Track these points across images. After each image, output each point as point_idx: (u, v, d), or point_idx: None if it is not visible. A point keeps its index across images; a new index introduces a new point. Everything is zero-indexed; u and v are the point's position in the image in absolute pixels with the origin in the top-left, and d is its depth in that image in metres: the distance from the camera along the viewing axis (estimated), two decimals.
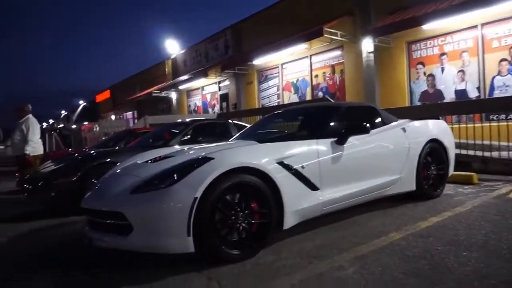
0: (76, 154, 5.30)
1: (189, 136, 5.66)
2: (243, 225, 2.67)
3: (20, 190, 6.51)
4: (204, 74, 14.78)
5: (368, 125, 3.43)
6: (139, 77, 24.11)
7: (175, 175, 2.52)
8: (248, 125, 6.55)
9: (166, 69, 20.39)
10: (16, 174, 7.01)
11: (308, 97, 11.68)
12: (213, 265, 2.54)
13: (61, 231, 3.90)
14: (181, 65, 19.00)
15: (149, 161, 3.22)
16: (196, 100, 18.00)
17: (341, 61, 10.69)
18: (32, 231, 3.98)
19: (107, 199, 2.64)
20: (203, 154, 2.80)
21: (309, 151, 3.16)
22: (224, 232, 2.59)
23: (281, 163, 2.91)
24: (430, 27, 8.05)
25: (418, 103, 8.80)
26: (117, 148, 5.63)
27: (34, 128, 6.19)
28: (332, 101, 8.18)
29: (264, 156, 2.85)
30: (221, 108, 15.84)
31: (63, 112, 51.93)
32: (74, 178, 4.50)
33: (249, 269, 2.50)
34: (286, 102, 12.39)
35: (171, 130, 6.33)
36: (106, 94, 29.65)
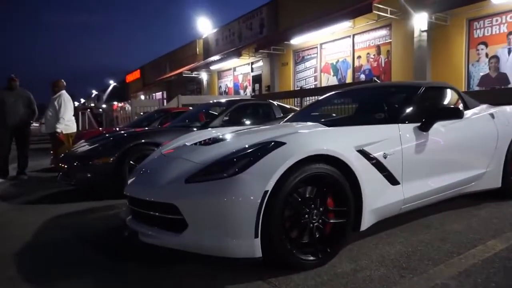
0: (112, 134, 4.96)
1: (231, 117, 5.20)
2: (317, 225, 2.19)
3: (55, 168, 6.33)
4: (238, 54, 14.24)
5: (461, 108, 2.84)
6: (169, 57, 23.86)
7: (240, 162, 2.06)
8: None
9: (197, 49, 19.98)
10: (51, 152, 6.83)
11: (349, 79, 10.96)
12: (281, 272, 2.09)
13: (98, 216, 3.56)
14: (213, 45, 18.50)
15: (199, 144, 2.78)
16: (227, 82, 17.53)
17: (388, 41, 9.87)
18: (69, 214, 3.67)
19: (157, 187, 2.21)
20: (270, 137, 2.32)
21: (391, 138, 2.62)
22: (295, 234, 2.13)
23: (361, 151, 2.39)
24: (499, 1, 7.14)
25: (477, 88, 7.96)
26: (155, 128, 5.25)
27: (66, 105, 5.90)
28: (379, 82, 7.48)
29: (342, 142, 2.33)
30: (253, 90, 15.31)
31: (94, 92, 52.91)
32: (111, 159, 4.16)
33: (327, 281, 2.03)
34: (324, 84, 11.72)
35: (211, 110, 5.91)
36: (136, 74, 29.69)
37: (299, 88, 12.44)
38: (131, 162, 4.22)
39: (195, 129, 4.83)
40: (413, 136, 2.75)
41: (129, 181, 2.60)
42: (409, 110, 2.93)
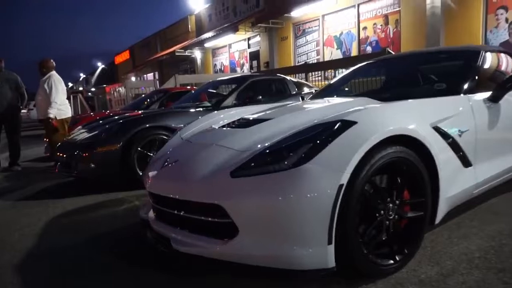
0: (114, 118, 4.45)
1: (242, 94, 4.71)
2: (393, 222, 1.78)
3: (50, 157, 5.82)
4: (234, 29, 13.53)
5: None
6: (160, 36, 22.91)
7: (302, 149, 1.60)
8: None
9: (189, 26, 19.11)
10: (45, 139, 6.28)
11: (354, 52, 10.43)
12: (352, 282, 1.69)
13: (107, 213, 3.11)
14: (206, 21, 17.67)
15: (229, 127, 2.32)
16: (223, 59, 16.83)
17: (396, 9, 9.31)
18: (72, 212, 3.21)
19: (194, 184, 1.75)
20: (329, 115, 1.86)
21: (463, 112, 2.18)
22: (370, 234, 1.71)
23: (436, 129, 1.95)
24: None
25: None
26: (163, 109, 4.74)
27: (57, 87, 5.28)
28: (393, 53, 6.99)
29: (418, 120, 1.89)
30: (251, 67, 14.69)
31: (82, 75, 51.36)
32: (117, 146, 3.67)
33: None
34: (327, 58, 11.17)
35: (219, 87, 5.40)
36: (125, 55, 28.62)
37: (303, 62, 11.85)
38: (139, 149, 3.75)
39: (200, 109, 4.35)
40: (484, 109, 2.32)
41: (150, 174, 2.14)
42: (473, 78, 2.47)
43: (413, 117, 1.88)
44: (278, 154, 1.65)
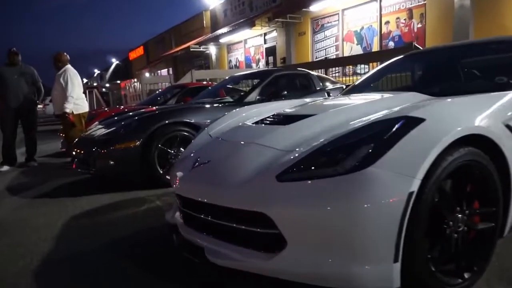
0: (133, 114, 4.27)
1: (265, 89, 4.49)
2: (462, 235, 1.53)
3: (66, 152, 5.70)
4: (251, 24, 13.27)
5: None
6: (174, 32, 22.82)
7: (363, 150, 1.36)
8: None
9: (204, 22, 18.94)
10: (60, 134, 6.17)
11: (375, 48, 10.08)
12: None
13: (128, 214, 2.92)
14: (221, 16, 17.46)
15: (265, 123, 2.10)
16: (238, 55, 16.60)
17: (421, 3, 8.93)
18: (92, 212, 3.04)
19: (233, 188, 1.54)
20: (384, 110, 1.63)
21: None
22: (438, 249, 1.47)
23: (509, 127, 1.70)
24: None
25: None
26: (183, 104, 4.54)
27: (73, 81, 5.12)
28: (421, 48, 6.67)
29: (490, 117, 1.63)
30: (267, 63, 14.43)
31: (96, 71, 51.80)
32: (137, 143, 3.48)
33: None
34: (347, 54, 10.85)
35: (240, 83, 5.19)
36: (139, 51, 28.65)
37: (323, 58, 11.52)
38: (159, 145, 3.56)
39: (222, 105, 4.14)
40: None
41: (178, 175, 1.93)
42: None
43: (484, 113, 1.62)
44: (333, 155, 1.42)
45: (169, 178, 2.26)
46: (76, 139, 4.21)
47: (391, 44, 9.69)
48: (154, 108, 4.56)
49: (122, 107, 8.00)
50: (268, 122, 2.10)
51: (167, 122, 3.59)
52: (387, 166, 1.31)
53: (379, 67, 3.45)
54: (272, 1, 13.71)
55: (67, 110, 5.01)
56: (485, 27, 7.62)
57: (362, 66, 9.82)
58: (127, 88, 11.77)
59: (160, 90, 10.66)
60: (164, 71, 24.42)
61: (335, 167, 1.36)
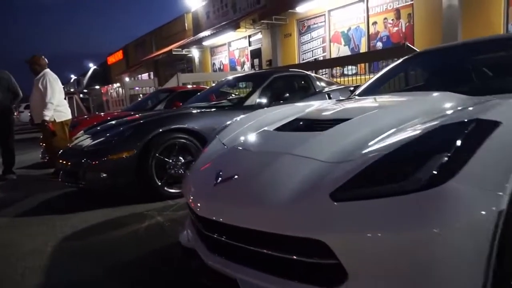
0: (123, 121, 3.95)
1: (264, 92, 4.25)
2: None
3: (47, 163, 5.30)
4: (235, 26, 13.03)
5: None
6: (155, 35, 22.34)
7: (432, 160, 1.14)
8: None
9: (186, 24, 18.57)
10: (40, 144, 5.75)
11: (363, 48, 10.01)
12: None
13: (127, 234, 2.62)
14: (203, 18, 17.12)
15: (292, 129, 1.86)
16: (222, 58, 16.32)
17: (409, 2, 8.91)
18: (85, 232, 2.71)
19: (275, 208, 1.28)
20: (435, 113, 1.42)
21: None
22: None
23: None
24: None
25: None
26: (178, 109, 4.23)
27: (53, 87, 4.71)
28: (415, 48, 6.59)
29: None
30: (252, 65, 14.20)
31: (73, 77, 50.34)
32: (133, 152, 3.18)
33: None
34: (334, 55, 10.75)
35: (238, 84, 4.94)
36: (118, 55, 27.94)
37: (313, 59, 11.37)
38: (157, 155, 3.26)
39: (221, 109, 3.89)
40: None
41: (196, 192, 1.67)
42: None
43: None
44: (399, 168, 1.19)
45: (182, 191, 1.98)
46: (62, 150, 3.84)
47: (379, 45, 9.64)
48: (145, 114, 4.24)
49: (105, 114, 7.58)
50: (293, 128, 1.85)
51: (164, 129, 3.30)
52: (469, 180, 1.09)
53: (389, 67, 3.27)
54: (256, 2, 13.51)
55: (47, 118, 4.61)
56: (473, 26, 7.64)
57: (350, 67, 9.79)
58: (109, 93, 11.30)
59: (141, 95, 10.29)
60: (144, 76, 23.87)
61: (404, 183, 1.13)
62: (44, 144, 5.44)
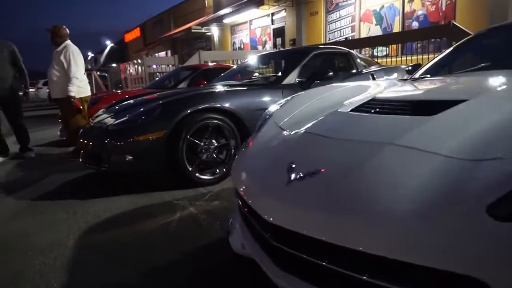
0: (150, 98, 3.59)
1: (303, 70, 3.82)
2: None
3: (66, 141, 5.03)
4: (258, 3, 12.43)
5: None
6: (174, 12, 21.80)
7: None
8: None
9: (206, 1, 17.97)
10: (59, 121, 5.47)
11: (397, 28, 9.37)
12: None
13: (156, 228, 2.29)
14: None
15: (376, 111, 1.45)
16: (242, 37, 15.76)
17: None
18: (110, 222, 2.40)
19: (394, 221, 0.90)
20: None
21: None
22: None
23: None
24: None
25: None
26: (208, 87, 3.83)
27: (77, 60, 4.40)
28: (463, 28, 5.99)
29: None
30: (274, 45, 13.64)
31: (90, 54, 50.33)
32: (162, 133, 2.83)
33: None
34: (364, 35, 10.13)
35: (271, 61, 4.52)
36: (136, 33, 27.53)
37: (343, 38, 10.74)
38: (188, 137, 2.91)
39: (257, 87, 3.49)
40: None
41: (255, 187, 1.30)
42: None
43: None
44: None
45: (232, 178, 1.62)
46: (82, 129, 3.52)
47: (415, 24, 8.98)
48: (172, 91, 3.87)
49: (124, 91, 7.25)
50: (377, 111, 1.44)
51: (196, 108, 2.92)
52: None
53: (454, 46, 2.80)
54: None
55: (72, 94, 4.29)
56: None
57: (380, 48, 9.16)
58: (128, 70, 10.97)
59: (157, 74, 9.92)
60: (162, 54, 23.48)
61: None
62: (63, 121, 5.16)
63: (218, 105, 3.01)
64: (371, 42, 7.68)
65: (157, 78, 9.69)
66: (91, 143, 3.16)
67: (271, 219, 1.16)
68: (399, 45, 8.69)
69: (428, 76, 2.32)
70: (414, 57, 6.73)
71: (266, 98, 3.32)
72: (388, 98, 1.60)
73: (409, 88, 1.80)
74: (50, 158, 4.71)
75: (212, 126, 3.02)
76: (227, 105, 3.04)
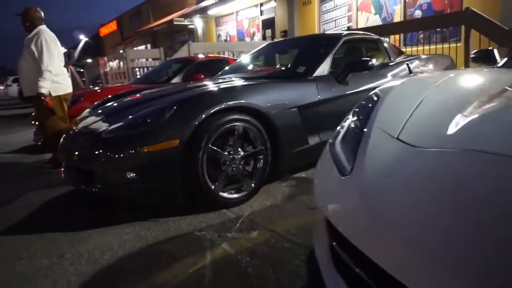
0: (152, 95, 2.87)
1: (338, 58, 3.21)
2: None
3: (42, 146, 4.25)
4: None
5: None
6: (153, 4, 20.71)
7: None
8: None
9: None
10: (33, 122, 4.64)
11: (398, 18, 8.86)
12: None
13: (183, 279, 1.60)
14: None
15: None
16: (228, 29, 14.97)
17: None
18: (111, 269, 1.69)
19: None
20: None
21: None
22: None
23: None
24: None
25: None
26: (225, 81, 3.09)
27: (51, 49, 3.57)
28: (482, 14, 5.50)
29: None
30: (263, 37, 12.95)
31: (63, 49, 48.12)
32: (177, 142, 2.12)
33: None
34: (361, 25, 9.58)
35: (293, 48, 3.86)
36: (112, 26, 26.19)
37: (346, 28, 10.14)
38: (210, 146, 2.21)
39: (283, 79, 2.84)
40: None
41: (404, 248, 0.65)
42: None
43: None
44: None
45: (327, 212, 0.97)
46: (65, 135, 2.75)
47: (418, 13, 8.49)
48: (173, 88, 3.16)
49: (106, 87, 6.40)
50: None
51: (222, 107, 2.23)
52: None
53: None
54: None
55: (43, 91, 3.51)
56: None
57: (386, 39, 8.61)
58: (107, 65, 10.04)
59: (137, 69, 9.10)
60: (141, 48, 22.35)
61: None
62: (37, 123, 4.35)
63: (246, 103, 2.32)
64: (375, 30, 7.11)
65: (137, 74, 8.88)
66: (77, 155, 2.40)
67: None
68: (401, 35, 8.19)
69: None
70: (420, 48, 6.26)
71: (299, 94, 2.67)
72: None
73: None
74: (22, 168, 3.90)
75: (239, 130, 2.33)
76: (256, 102, 2.36)
